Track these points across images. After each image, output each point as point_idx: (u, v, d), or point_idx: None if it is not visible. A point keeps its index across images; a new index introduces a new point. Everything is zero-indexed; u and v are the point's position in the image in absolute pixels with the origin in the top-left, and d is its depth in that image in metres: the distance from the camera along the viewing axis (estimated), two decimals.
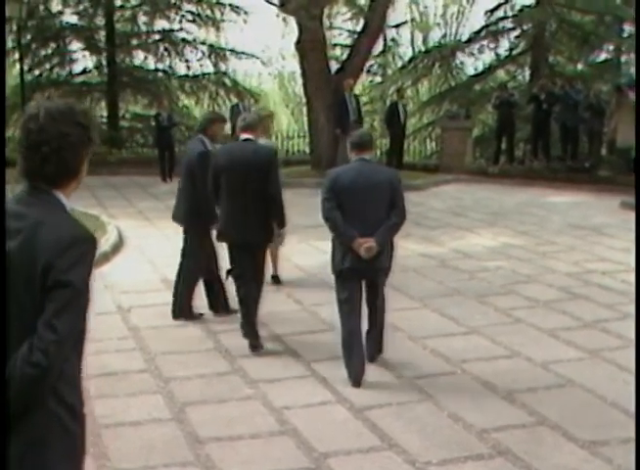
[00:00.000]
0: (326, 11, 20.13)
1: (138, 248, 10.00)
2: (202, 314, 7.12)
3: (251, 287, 6.33)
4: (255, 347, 6.22)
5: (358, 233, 5.49)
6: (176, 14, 23.11)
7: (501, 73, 23.56)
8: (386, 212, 5.60)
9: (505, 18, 22.12)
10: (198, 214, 6.81)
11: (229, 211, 6.29)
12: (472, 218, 12.56)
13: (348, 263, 5.59)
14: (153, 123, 19.00)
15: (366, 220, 5.54)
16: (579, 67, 22.75)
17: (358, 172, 5.63)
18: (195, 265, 7.08)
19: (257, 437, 4.73)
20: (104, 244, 9.72)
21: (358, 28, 21.14)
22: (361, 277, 5.70)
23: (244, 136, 6.36)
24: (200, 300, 7.17)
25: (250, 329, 6.28)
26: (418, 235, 11.04)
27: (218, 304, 7.21)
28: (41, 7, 22.15)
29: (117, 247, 9.93)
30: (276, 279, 8.31)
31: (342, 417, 5.02)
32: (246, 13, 23.00)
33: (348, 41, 23.85)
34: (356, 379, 5.52)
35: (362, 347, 5.69)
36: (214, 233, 6.61)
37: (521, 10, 21.65)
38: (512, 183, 16.25)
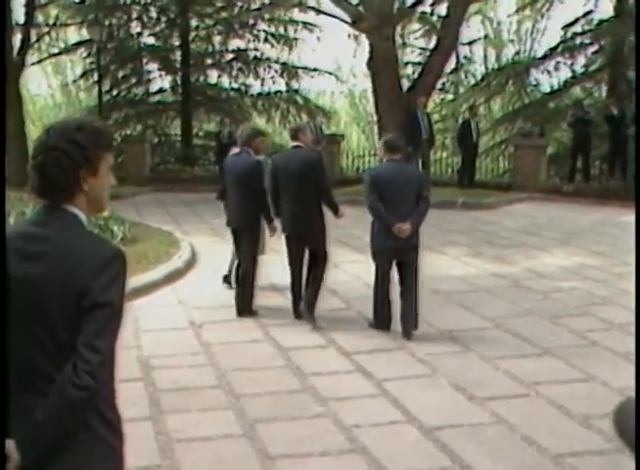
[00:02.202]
0: (398, 29, 20.18)
1: (210, 264, 10.12)
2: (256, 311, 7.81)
3: (300, 272, 7.57)
4: (297, 316, 7.57)
5: (395, 218, 6.83)
6: (250, 33, 23.45)
7: (577, 90, 23.13)
8: (414, 202, 6.94)
9: (582, 33, 21.71)
10: (256, 216, 7.70)
11: (285, 208, 7.48)
12: (545, 237, 12.35)
13: (390, 243, 6.94)
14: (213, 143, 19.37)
15: (401, 208, 6.87)
16: None
17: (394, 170, 6.96)
18: (254, 264, 7.84)
19: (327, 454, 4.72)
20: (177, 260, 9.89)
21: (431, 46, 21.13)
22: (397, 254, 7.02)
23: (293, 144, 7.59)
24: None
25: (295, 306, 7.59)
26: (490, 254, 10.92)
27: (244, 305, 7.77)
28: (121, 30, 22.77)
29: (191, 263, 10.07)
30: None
31: (413, 437, 4.98)
32: (320, 30, 23.21)
33: (420, 59, 23.83)
34: (388, 326, 7.11)
35: (391, 304, 7.15)
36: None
37: (599, 24, 21.20)
38: (587, 202, 15.94)
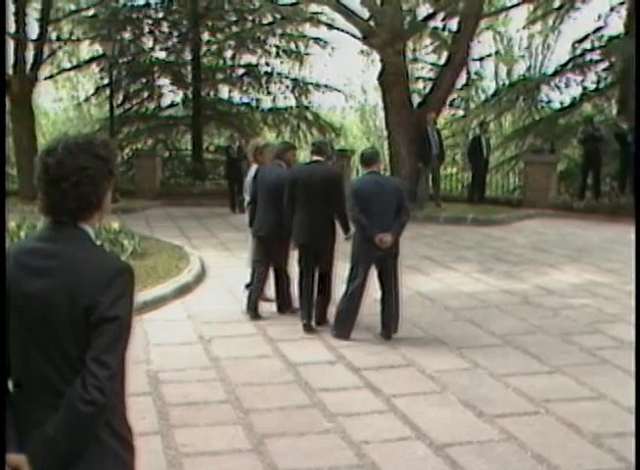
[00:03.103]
0: (409, 43, 20.22)
1: (220, 278, 10.14)
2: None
3: (312, 279, 7.72)
4: (308, 328, 7.63)
5: (377, 228, 7.11)
6: (261, 48, 23.54)
7: (587, 107, 23.09)
8: (395, 212, 7.18)
9: (592, 49, 21.69)
10: (282, 226, 7.92)
11: (301, 218, 7.65)
12: (555, 254, 12.32)
13: (374, 253, 7.19)
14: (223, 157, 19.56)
15: (382, 219, 7.13)
16: None
17: (374, 182, 7.26)
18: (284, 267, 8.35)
19: None
20: (186, 274, 9.90)
21: (441, 61, 21.16)
22: (378, 263, 7.32)
23: (314, 158, 7.83)
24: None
25: (305, 312, 7.69)
26: (500, 271, 10.89)
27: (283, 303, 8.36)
28: (133, 44, 22.90)
29: (200, 277, 10.08)
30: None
31: (422, 453, 4.96)
32: (332, 48, 23.28)
33: (431, 74, 23.85)
34: (348, 335, 7.36)
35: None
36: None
37: (609, 40, 21.17)
38: (597, 219, 15.91)
